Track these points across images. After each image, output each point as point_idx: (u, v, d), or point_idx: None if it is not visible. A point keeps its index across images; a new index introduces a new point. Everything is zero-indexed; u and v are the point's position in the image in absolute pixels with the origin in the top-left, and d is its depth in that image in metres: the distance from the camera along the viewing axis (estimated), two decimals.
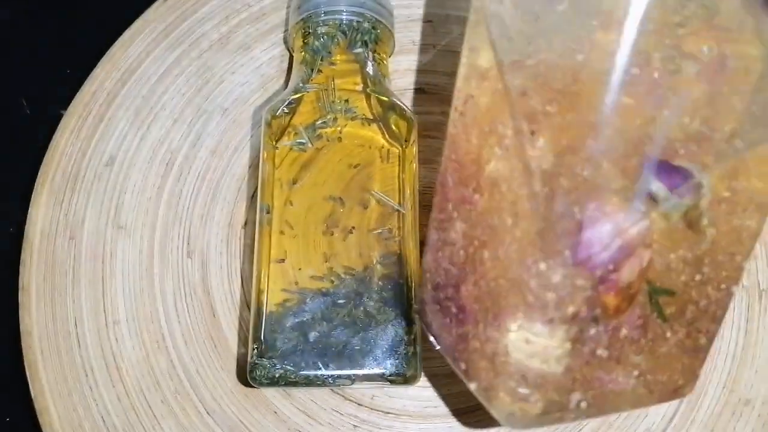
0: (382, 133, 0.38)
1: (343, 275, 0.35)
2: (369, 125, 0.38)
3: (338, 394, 0.38)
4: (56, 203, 0.41)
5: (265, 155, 0.37)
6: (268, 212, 0.36)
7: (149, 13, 0.44)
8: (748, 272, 0.39)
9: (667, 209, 0.23)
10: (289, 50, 0.43)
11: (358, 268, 0.36)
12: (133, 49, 0.43)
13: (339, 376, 0.34)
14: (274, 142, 0.37)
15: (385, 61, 0.41)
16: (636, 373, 0.27)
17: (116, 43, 0.43)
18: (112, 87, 0.43)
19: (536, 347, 0.25)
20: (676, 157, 0.22)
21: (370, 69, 0.39)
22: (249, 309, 0.39)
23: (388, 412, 0.38)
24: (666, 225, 0.23)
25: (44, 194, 0.41)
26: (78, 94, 0.42)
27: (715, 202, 0.24)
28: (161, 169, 0.41)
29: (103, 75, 0.43)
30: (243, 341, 0.39)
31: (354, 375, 0.34)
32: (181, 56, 0.43)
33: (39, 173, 0.41)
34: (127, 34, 0.43)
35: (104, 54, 0.43)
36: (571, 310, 0.23)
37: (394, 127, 0.38)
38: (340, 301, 0.35)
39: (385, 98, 0.38)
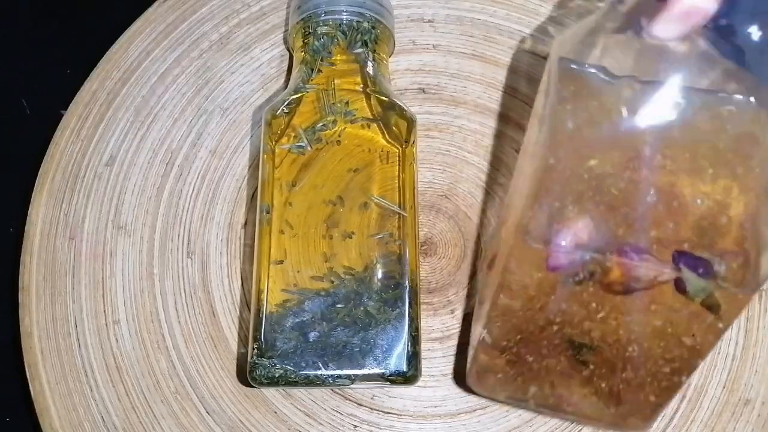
0: (382, 134, 0.38)
1: (343, 275, 0.35)
2: (369, 127, 0.38)
3: (338, 393, 0.38)
4: (56, 203, 0.41)
5: (265, 156, 0.37)
6: (267, 212, 0.36)
7: (149, 13, 0.44)
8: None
9: (694, 292, 0.26)
10: (289, 50, 0.43)
11: (358, 268, 0.36)
12: (133, 49, 0.43)
13: (339, 376, 0.34)
14: (273, 143, 0.37)
15: (384, 61, 0.41)
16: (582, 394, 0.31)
17: (116, 43, 0.43)
18: (112, 87, 0.43)
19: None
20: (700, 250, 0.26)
21: (370, 69, 0.39)
22: (249, 309, 0.39)
23: (389, 412, 0.38)
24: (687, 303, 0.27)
25: (44, 194, 0.41)
26: (78, 93, 0.42)
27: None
28: (161, 169, 0.41)
29: (103, 75, 0.43)
30: (243, 341, 0.39)
31: (354, 375, 0.34)
32: (181, 56, 0.43)
33: (39, 173, 0.41)
34: (127, 34, 0.43)
35: (104, 54, 0.43)
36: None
37: (394, 127, 0.38)
38: (340, 302, 0.35)
39: (385, 98, 0.38)
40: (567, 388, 0.32)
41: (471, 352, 0.35)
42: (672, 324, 0.28)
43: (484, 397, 0.36)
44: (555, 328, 0.30)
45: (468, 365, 0.35)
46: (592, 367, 0.30)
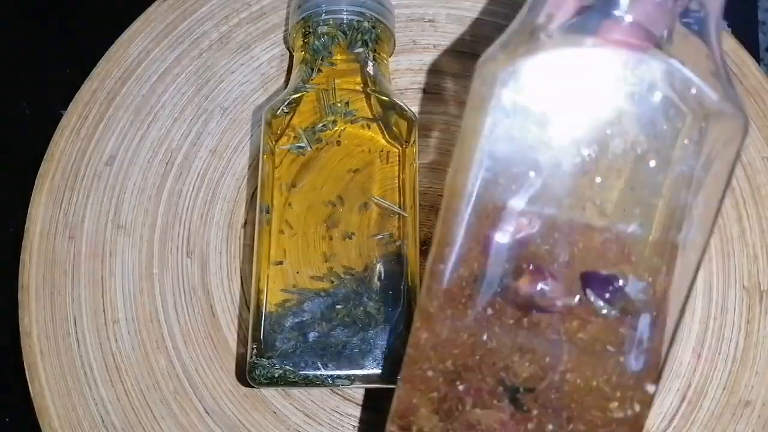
0: (383, 134, 0.38)
1: (342, 275, 0.35)
2: (369, 127, 0.38)
3: (338, 394, 0.38)
4: (56, 202, 0.41)
5: (265, 156, 0.37)
6: (267, 212, 0.36)
7: (149, 13, 0.44)
8: (749, 273, 0.39)
9: (605, 314, 0.26)
10: (289, 50, 0.43)
11: (357, 268, 0.36)
12: (133, 48, 0.43)
13: (338, 376, 0.34)
14: (273, 142, 0.37)
15: (385, 61, 0.41)
16: None
17: (116, 42, 0.43)
18: (112, 86, 0.42)
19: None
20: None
21: (370, 69, 0.39)
22: (248, 309, 0.38)
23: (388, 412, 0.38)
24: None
25: (44, 193, 0.41)
26: (78, 93, 0.42)
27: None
28: (161, 168, 0.41)
29: (103, 74, 0.43)
30: (242, 341, 0.39)
31: (353, 375, 0.34)
32: (181, 55, 0.43)
33: (39, 172, 0.41)
34: (127, 33, 0.43)
35: (104, 53, 0.43)
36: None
37: (394, 127, 0.38)
38: (340, 302, 0.35)
39: (385, 98, 0.38)
40: None
41: (394, 405, 0.30)
42: (598, 339, 0.26)
43: None
44: (481, 362, 0.28)
45: (388, 420, 0.30)
46: (536, 412, 0.27)
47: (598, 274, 0.26)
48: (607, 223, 0.26)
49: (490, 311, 0.27)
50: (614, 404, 0.27)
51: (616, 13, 0.26)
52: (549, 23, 0.27)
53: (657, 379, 0.27)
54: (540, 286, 0.26)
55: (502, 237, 0.27)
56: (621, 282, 0.26)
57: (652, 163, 0.26)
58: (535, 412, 0.27)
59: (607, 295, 0.26)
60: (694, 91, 0.25)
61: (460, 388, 0.28)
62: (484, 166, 0.27)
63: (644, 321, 0.26)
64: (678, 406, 0.38)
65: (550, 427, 0.27)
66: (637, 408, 0.27)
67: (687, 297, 0.27)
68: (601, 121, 0.26)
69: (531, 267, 0.27)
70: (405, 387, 0.29)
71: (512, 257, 0.27)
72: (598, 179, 0.26)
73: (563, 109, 0.26)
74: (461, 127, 0.28)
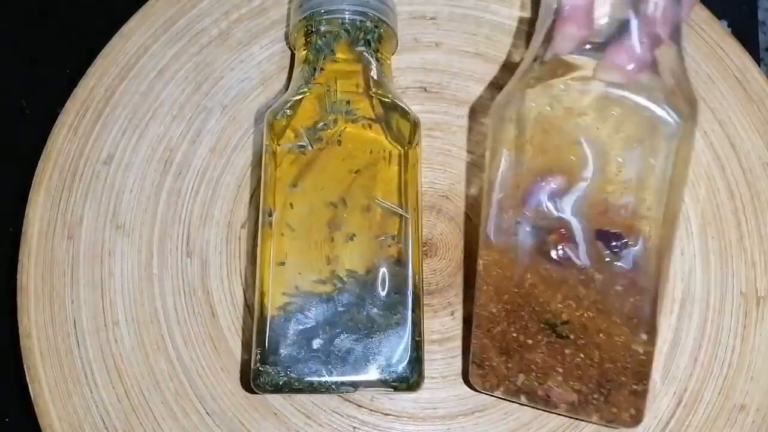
0: (384, 134, 0.37)
1: (345, 278, 0.35)
2: (370, 127, 0.37)
3: (338, 395, 0.38)
4: (54, 202, 0.40)
5: (267, 157, 0.37)
6: (270, 215, 0.36)
7: (148, 8, 0.43)
8: (746, 279, 0.39)
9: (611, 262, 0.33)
10: (290, 48, 0.42)
11: (360, 270, 0.35)
12: (131, 44, 0.42)
13: (342, 383, 0.34)
14: (275, 144, 0.37)
15: (387, 61, 0.40)
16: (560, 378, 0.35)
17: (114, 38, 0.42)
18: (110, 83, 0.42)
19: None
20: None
21: (372, 68, 0.39)
22: (250, 310, 0.38)
23: (388, 414, 0.38)
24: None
25: (41, 193, 0.40)
26: (75, 90, 0.42)
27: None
28: (160, 167, 0.41)
29: (100, 71, 0.42)
30: (245, 346, 0.39)
31: (357, 381, 0.34)
32: (180, 52, 0.42)
33: (36, 171, 0.41)
34: (125, 29, 0.42)
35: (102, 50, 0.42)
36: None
37: (395, 128, 0.38)
38: (343, 306, 0.35)
39: (387, 99, 0.38)
40: (552, 375, 0.35)
41: (472, 350, 0.37)
42: (609, 285, 0.33)
43: (486, 393, 0.37)
44: (526, 306, 0.35)
45: (470, 362, 0.37)
46: (572, 339, 0.34)
47: (608, 231, 0.33)
48: (615, 200, 0.33)
49: (528, 262, 0.35)
50: (630, 337, 0.33)
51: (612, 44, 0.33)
52: (551, 53, 0.34)
53: (653, 324, 0.34)
54: (563, 246, 0.34)
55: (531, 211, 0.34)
56: (625, 239, 0.33)
57: (632, 165, 0.33)
58: (572, 338, 0.34)
59: (614, 247, 0.33)
60: (661, 116, 0.32)
61: (514, 323, 0.35)
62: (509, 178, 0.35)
63: (642, 268, 0.33)
64: (674, 410, 0.38)
65: (582, 355, 0.34)
66: (645, 337, 0.34)
67: (669, 257, 0.35)
68: (594, 140, 0.33)
69: (563, 231, 0.34)
70: (477, 332, 0.36)
71: (544, 217, 0.34)
72: (599, 176, 0.33)
73: (558, 132, 0.34)
74: (487, 143, 0.36)
